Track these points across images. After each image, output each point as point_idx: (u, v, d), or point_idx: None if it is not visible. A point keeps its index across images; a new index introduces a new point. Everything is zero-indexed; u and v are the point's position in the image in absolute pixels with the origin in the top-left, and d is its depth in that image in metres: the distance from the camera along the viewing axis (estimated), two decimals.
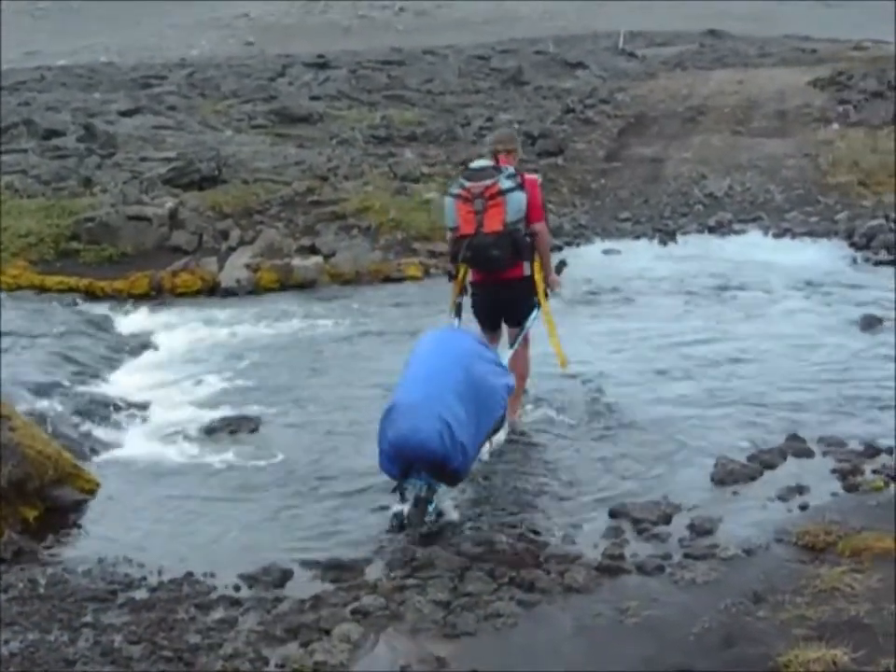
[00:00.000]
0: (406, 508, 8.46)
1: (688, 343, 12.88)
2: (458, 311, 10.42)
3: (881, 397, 10.98)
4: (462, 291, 10.41)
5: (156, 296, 16.03)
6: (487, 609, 7.27)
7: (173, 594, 7.63)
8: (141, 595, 7.66)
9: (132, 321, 14.80)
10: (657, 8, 64.09)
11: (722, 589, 7.30)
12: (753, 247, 17.97)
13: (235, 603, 7.51)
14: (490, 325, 10.48)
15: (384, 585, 7.66)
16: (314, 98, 32.33)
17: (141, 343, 13.76)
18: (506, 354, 10.23)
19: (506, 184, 9.86)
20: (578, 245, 18.38)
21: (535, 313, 10.37)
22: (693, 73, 39.86)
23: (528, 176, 10.23)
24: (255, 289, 16.21)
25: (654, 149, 25.96)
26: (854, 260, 16.74)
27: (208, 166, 20.72)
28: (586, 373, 11.84)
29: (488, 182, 9.85)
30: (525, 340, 10.46)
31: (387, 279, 16.55)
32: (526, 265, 10.16)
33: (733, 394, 11.29)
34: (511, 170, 10.05)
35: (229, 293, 16.05)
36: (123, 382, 12.27)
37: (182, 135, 26.18)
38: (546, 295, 10.34)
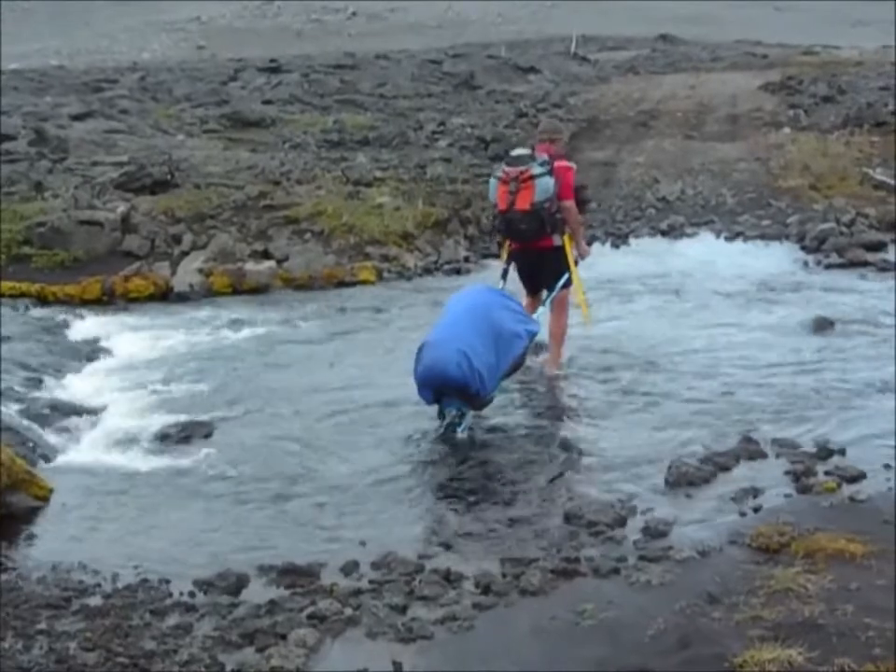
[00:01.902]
0: (440, 429, 10.34)
1: (640, 345, 12.93)
2: (504, 275, 12.24)
3: (833, 398, 11.07)
4: (508, 259, 12.22)
5: (108, 301, 15.89)
6: (443, 613, 7.29)
7: (127, 600, 7.60)
8: (95, 601, 7.62)
9: (84, 326, 14.68)
10: (610, 13, 64.29)
11: (677, 591, 7.34)
12: (705, 250, 18.05)
13: (190, 609, 7.49)
14: (529, 288, 12.33)
15: (339, 589, 7.67)
16: (266, 102, 32.22)
17: (93, 349, 13.66)
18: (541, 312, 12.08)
19: (537, 170, 11.56)
20: None
21: (564, 278, 11.98)
22: (646, 77, 39.98)
23: (561, 164, 11.85)
24: (208, 294, 16.11)
25: (607, 153, 26.00)
26: (805, 264, 16.84)
27: (160, 170, 20.63)
28: (537, 377, 11.90)
29: (522, 168, 11.58)
30: (562, 305, 12.14)
31: (341, 283, 16.52)
32: (556, 237, 11.90)
33: (685, 396, 11.36)
34: (545, 158, 11.69)
35: (181, 298, 15.96)
36: (76, 387, 12.19)
37: (134, 139, 26.03)
38: (576, 262, 12.11)
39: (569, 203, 11.86)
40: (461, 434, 10.34)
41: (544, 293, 12.25)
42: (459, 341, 10.20)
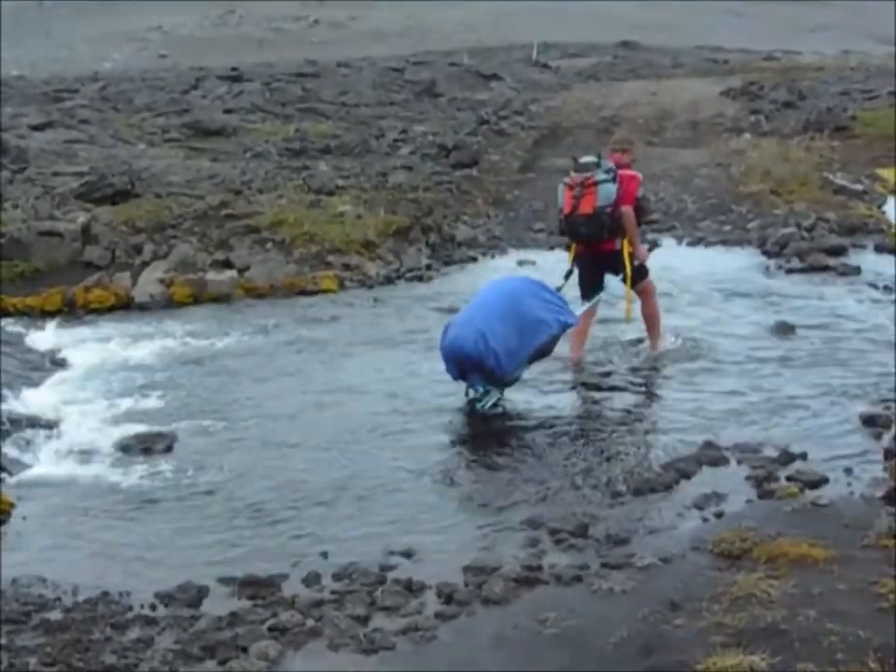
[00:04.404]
0: (464, 404, 11.30)
1: (600, 351, 12.94)
2: (567, 276, 12.87)
3: (795, 403, 11.10)
4: (574, 261, 12.87)
5: (69, 312, 15.80)
6: (405, 623, 7.28)
7: (88, 614, 7.56)
8: (55, 615, 7.58)
9: (45, 338, 14.57)
10: (571, 20, 64.34)
11: (640, 598, 7.34)
12: (668, 256, 18.03)
13: (151, 622, 7.46)
14: (585, 289, 12.87)
15: (301, 601, 7.65)
16: (227, 111, 32.14)
17: (54, 360, 13.57)
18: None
19: (601, 177, 12.26)
20: (493, 256, 18.42)
21: (619, 278, 12.73)
22: (607, 84, 40.10)
23: (626, 173, 12.53)
24: (169, 304, 16.02)
25: (568, 161, 26.00)
26: (767, 268, 16.88)
27: (121, 180, 20.50)
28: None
29: (587, 174, 12.29)
30: (647, 293, 12.95)
31: (302, 292, 16.45)
32: (617, 241, 12.53)
33: (647, 402, 11.39)
34: (610, 166, 12.38)
35: (143, 308, 15.87)
36: (36, 399, 12.08)
37: (95, 149, 25.90)
38: (632, 264, 12.63)
39: (626, 209, 12.42)
40: (480, 409, 11.18)
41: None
42: (480, 321, 11.12)
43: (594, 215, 12.26)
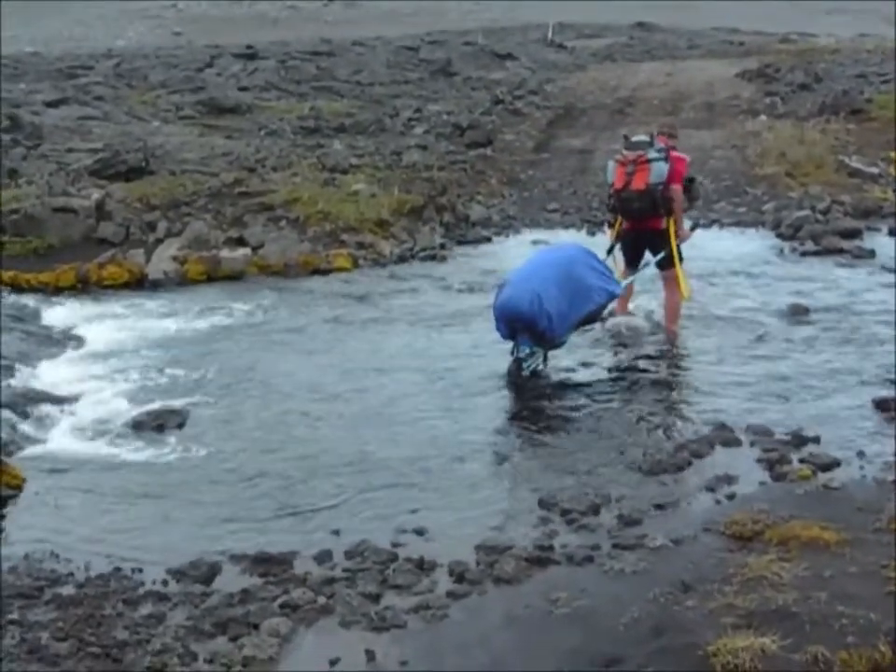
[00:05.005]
0: (510, 363, 11.54)
1: (614, 332, 12.93)
2: (610, 251, 13.26)
3: (808, 386, 11.09)
4: (617, 238, 13.26)
5: (83, 288, 15.80)
6: (417, 601, 7.30)
7: (100, 589, 7.59)
8: (68, 591, 7.61)
9: (58, 314, 14.59)
10: (586, 0, 64.15)
11: (651, 579, 7.36)
12: None
13: (163, 598, 7.48)
14: (629, 261, 13.27)
15: (313, 578, 7.67)
16: (242, 89, 32.11)
17: (68, 337, 13.59)
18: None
19: (653, 155, 12.66)
20: (507, 235, 18.37)
21: (659, 256, 12.99)
22: (623, 65, 39.97)
23: (676, 154, 12.94)
24: (182, 281, 16.01)
25: (583, 141, 25.99)
26: (781, 251, 16.83)
27: (135, 157, 20.51)
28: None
29: (640, 152, 12.71)
30: (672, 283, 13.06)
31: (316, 271, 16.42)
32: (664, 220, 12.85)
33: (660, 384, 11.37)
34: (661, 146, 12.78)
35: (156, 285, 15.87)
36: (49, 376, 12.10)
37: (109, 126, 25.89)
38: (678, 245, 12.99)
39: (676, 187, 12.82)
40: (526, 372, 11.47)
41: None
42: (537, 283, 11.41)
43: (646, 190, 12.59)
